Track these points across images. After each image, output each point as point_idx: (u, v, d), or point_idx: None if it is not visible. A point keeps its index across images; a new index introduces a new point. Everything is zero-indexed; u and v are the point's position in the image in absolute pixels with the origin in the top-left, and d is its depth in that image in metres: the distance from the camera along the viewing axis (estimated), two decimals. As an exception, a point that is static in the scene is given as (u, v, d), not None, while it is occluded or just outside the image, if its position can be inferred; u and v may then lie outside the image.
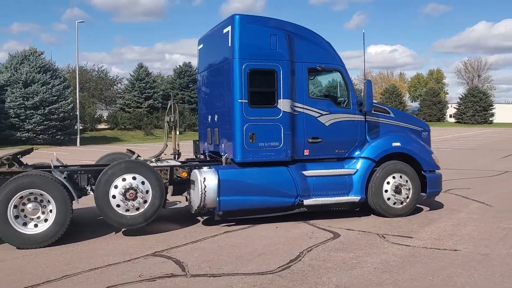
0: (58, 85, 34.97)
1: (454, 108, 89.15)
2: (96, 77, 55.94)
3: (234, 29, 8.08)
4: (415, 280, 5.48)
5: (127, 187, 7.58)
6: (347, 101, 8.96)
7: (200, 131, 10.15)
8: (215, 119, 9.05)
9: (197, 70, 10.38)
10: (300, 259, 6.31)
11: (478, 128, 70.66)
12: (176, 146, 9.55)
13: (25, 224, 7.13)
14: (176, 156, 9.46)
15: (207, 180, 8.00)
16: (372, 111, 9.06)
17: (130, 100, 47.49)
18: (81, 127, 36.97)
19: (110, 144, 37.07)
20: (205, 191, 7.95)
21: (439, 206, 9.99)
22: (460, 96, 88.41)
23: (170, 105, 9.55)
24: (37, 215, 7.18)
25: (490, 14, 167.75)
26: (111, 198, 7.54)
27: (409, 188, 9.03)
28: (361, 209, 9.13)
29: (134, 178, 7.65)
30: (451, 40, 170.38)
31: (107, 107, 53.47)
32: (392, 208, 8.95)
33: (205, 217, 9.00)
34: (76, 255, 6.69)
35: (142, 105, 47.20)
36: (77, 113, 35.96)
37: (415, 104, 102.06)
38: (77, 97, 36.29)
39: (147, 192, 7.69)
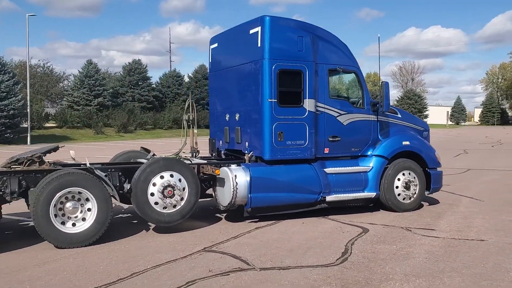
0: (7, 80, 33.22)
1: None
2: (41, 73, 53.54)
3: (264, 30, 8.27)
4: (469, 267, 5.95)
5: (165, 184, 7.59)
6: (361, 101, 9.38)
7: (213, 129, 10.18)
8: (236, 117, 9.17)
9: (208, 69, 10.38)
10: (351, 252, 6.62)
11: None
12: (194, 144, 9.59)
13: (63, 223, 6.97)
14: (195, 153, 9.50)
15: (238, 177, 8.15)
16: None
17: (79, 97, 45.81)
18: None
19: (61, 142, 35.66)
20: (237, 188, 8.09)
21: (435, 201, 10.64)
22: (397, 99, 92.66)
23: (189, 104, 9.55)
24: (76, 214, 7.04)
25: (419, 20, 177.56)
26: (149, 196, 7.52)
27: (416, 184, 9.61)
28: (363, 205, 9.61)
29: (171, 175, 7.67)
30: (382, 45, 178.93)
31: (54, 104, 51.30)
32: (402, 203, 9.49)
33: (224, 214, 9.14)
34: (126, 253, 6.64)
35: (92, 103, 45.71)
36: (28, 110, 34.31)
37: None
38: (28, 94, 34.56)
39: (183, 189, 7.73)
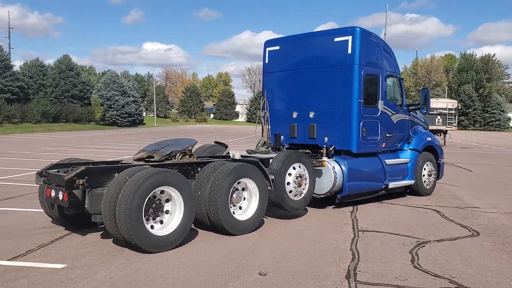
0: None
1: (246, 108, 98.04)
2: None
3: (355, 39, 9.47)
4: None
5: (297, 175, 8.39)
6: (400, 103, 11.13)
7: (274, 125, 10.80)
8: (310, 115, 10.11)
9: (264, 69, 11.09)
10: (466, 225, 8.28)
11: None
12: (268, 139, 10.30)
13: (228, 211, 7.33)
14: (271, 148, 10.20)
15: (336, 168, 9.26)
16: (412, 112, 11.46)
17: None
18: None
19: None
20: (336, 178, 9.20)
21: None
22: (251, 98, 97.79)
23: (264, 102, 10.19)
24: (239, 203, 7.47)
25: (254, 25, 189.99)
26: (286, 185, 8.24)
27: (434, 173, 11.74)
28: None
29: (299, 166, 8.48)
30: (220, 45, 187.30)
31: None
32: (426, 189, 11.53)
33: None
34: (293, 235, 7.35)
35: None
36: None
37: (210, 104, 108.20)
38: None
39: (306, 179, 8.59)
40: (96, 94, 58.96)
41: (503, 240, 7.34)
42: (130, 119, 61.25)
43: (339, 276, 5.46)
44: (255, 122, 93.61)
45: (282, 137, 10.66)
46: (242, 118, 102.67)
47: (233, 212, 7.40)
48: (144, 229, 6.13)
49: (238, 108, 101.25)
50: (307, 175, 8.61)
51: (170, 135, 41.47)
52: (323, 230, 7.78)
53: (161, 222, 6.52)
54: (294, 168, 8.40)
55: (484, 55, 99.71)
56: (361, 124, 9.60)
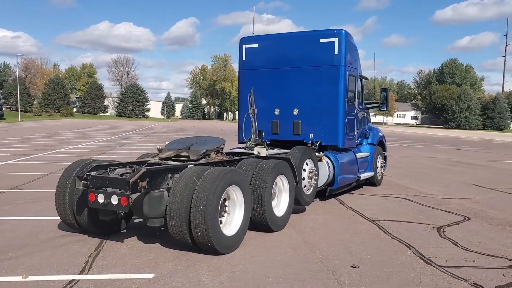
0: None
1: (116, 102, 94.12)
2: None
3: (342, 41, 10.02)
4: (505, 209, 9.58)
5: (310, 170, 8.71)
6: (361, 101, 12.02)
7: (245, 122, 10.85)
8: (294, 112, 10.44)
9: (241, 66, 11.07)
10: (449, 211, 9.36)
11: (143, 121, 77.48)
12: (255, 136, 10.37)
13: (262, 209, 7.40)
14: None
15: (329, 163, 9.78)
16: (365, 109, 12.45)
17: None
18: None
19: None
20: (330, 172, 9.73)
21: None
22: (122, 92, 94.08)
23: (251, 99, 10.25)
24: (273, 200, 7.57)
25: (112, 15, 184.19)
26: (302, 180, 8.50)
27: (384, 165, 12.92)
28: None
29: (310, 162, 8.80)
30: (75, 35, 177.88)
31: None
32: (379, 180, 12.66)
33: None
34: (323, 229, 7.70)
35: None
36: None
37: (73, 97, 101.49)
38: None
39: (315, 174, 8.95)
40: None
41: (494, 222, 8.49)
42: (-10, 113, 55.09)
43: (420, 263, 5.94)
44: (126, 116, 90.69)
45: (263, 133, 10.83)
46: (109, 112, 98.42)
47: (267, 209, 7.47)
48: (219, 230, 5.98)
49: (106, 102, 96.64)
50: (315, 170, 8.97)
51: (51, 131, 38.38)
52: (343, 222, 8.22)
53: (220, 222, 6.38)
54: (307, 164, 8.70)
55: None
56: (345, 121, 10.22)
